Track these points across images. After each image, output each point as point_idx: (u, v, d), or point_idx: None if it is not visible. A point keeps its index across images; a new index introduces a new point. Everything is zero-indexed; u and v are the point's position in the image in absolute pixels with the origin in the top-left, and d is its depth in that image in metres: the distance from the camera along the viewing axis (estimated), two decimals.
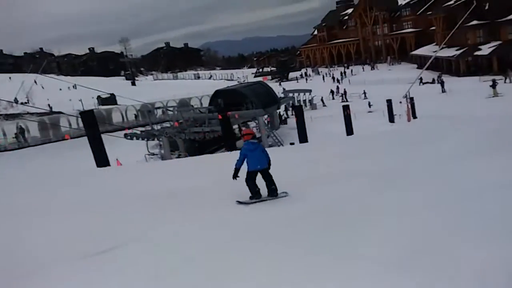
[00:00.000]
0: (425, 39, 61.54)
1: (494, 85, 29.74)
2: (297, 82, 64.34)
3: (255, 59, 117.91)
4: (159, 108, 32.32)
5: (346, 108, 20.16)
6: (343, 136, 19.25)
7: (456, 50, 47.63)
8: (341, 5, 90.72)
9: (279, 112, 36.77)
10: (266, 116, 30.99)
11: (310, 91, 41.57)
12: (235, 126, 32.68)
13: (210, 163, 10.93)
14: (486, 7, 45.46)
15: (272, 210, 5.69)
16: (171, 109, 29.41)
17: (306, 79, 67.49)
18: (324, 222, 4.94)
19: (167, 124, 28.48)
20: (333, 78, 59.38)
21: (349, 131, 19.21)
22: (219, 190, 6.93)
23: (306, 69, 79.16)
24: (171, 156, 25.25)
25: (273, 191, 6.08)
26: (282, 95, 42.20)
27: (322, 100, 41.34)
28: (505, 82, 34.42)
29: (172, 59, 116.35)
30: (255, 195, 6.03)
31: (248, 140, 6.09)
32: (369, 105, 33.79)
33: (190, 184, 7.74)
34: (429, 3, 64.69)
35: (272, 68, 79.20)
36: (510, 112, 19.01)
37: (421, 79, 42.39)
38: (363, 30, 79.34)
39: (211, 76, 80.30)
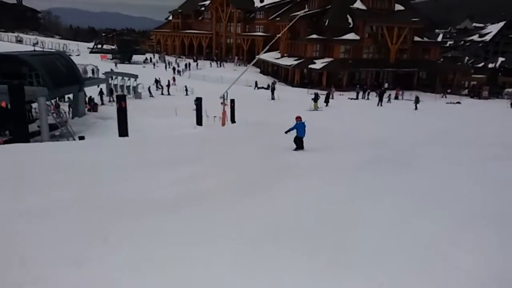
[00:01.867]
0: (273, 45, 61.62)
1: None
2: (144, 67, 58.46)
3: (103, 34, 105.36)
4: None
5: (120, 99, 15.18)
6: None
7: (295, 60, 48.11)
8: None
9: (90, 96, 30.60)
10: (56, 99, 24.66)
11: (136, 76, 36.16)
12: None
13: None
14: (326, 23, 46.87)
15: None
16: None
17: (154, 65, 61.69)
18: None
19: None
20: (174, 68, 54.89)
21: (122, 131, 14.52)
22: None
23: (153, 55, 72.93)
24: None
25: (302, 146, 12.26)
26: (103, 76, 36.04)
27: (149, 90, 36.49)
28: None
29: None
30: (299, 147, 12.15)
31: (299, 121, 12.27)
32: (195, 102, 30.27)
33: None
34: (280, 11, 65.39)
35: (113, 47, 70.54)
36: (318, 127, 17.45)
37: (256, 83, 41.06)
38: (218, 25, 76.95)
39: (36, 43, 67.15)
